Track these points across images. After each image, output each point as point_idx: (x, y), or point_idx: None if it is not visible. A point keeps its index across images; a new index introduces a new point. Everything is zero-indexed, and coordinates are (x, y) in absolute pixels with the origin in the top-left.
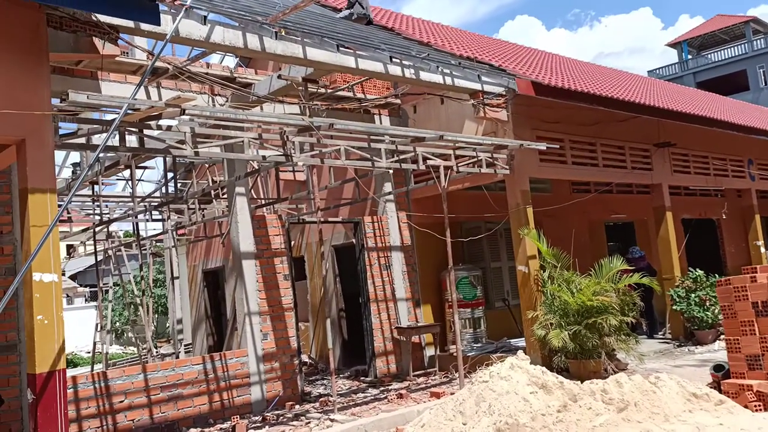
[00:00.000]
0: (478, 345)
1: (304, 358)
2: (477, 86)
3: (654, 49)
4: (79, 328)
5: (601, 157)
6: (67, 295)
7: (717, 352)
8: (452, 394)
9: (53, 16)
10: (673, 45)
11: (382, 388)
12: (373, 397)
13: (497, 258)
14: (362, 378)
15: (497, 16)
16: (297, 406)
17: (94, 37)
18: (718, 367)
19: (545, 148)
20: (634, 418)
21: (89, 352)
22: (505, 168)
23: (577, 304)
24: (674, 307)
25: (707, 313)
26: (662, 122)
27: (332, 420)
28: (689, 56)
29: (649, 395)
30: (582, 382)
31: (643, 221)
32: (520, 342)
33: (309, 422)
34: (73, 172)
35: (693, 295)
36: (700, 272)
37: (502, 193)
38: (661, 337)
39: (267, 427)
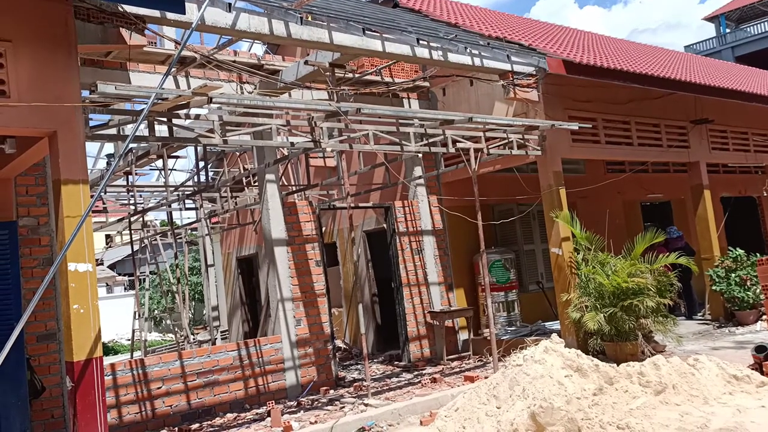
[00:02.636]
0: (512, 328)
1: (338, 343)
2: (507, 66)
3: (690, 24)
4: (119, 316)
5: (635, 136)
6: (107, 284)
7: (759, 332)
8: (486, 378)
9: (80, 8)
10: (710, 19)
11: (415, 373)
12: (407, 382)
13: (530, 240)
14: (396, 362)
15: None
16: (331, 391)
17: (121, 28)
18: (759, 348)
19: (578, 128)
20: (672, 400)
21: (129, 340)
22: (536, 149)
23: (613, 286)
24: (713, 288)
25: (748, 293)
26: (699, 98)
27: (366, 404)
28: (727, 30)
29: (687, 377)
30: (618, 365)
31: (680, 200)
32: (555, 325)
33: (343, 407)
34: (107, 163)
35: (733, 274)
36: (740, 251)
37: (534, 174)
38: (700, 318)
39: (302, 411)
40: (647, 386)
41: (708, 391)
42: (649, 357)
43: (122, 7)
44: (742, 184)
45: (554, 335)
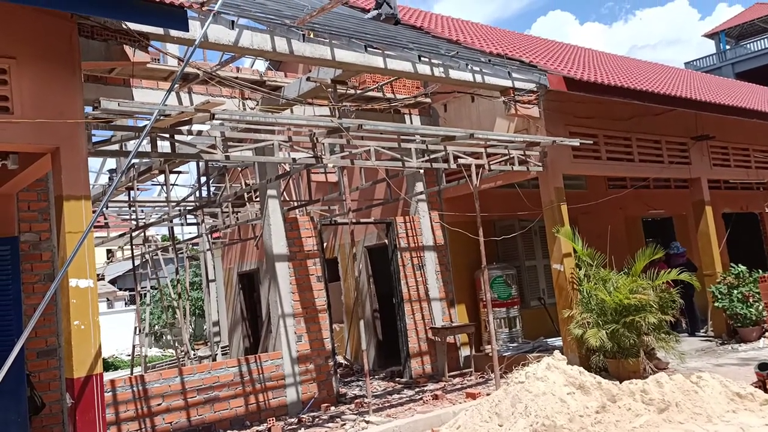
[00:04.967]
0: (514, 345)
1: (339, 359)
2: (507, 83)
3: (690, 41)
4: (119, 331)
5: (636, 152)
6: (108, 299)
7: (762, 350)
8: (488, 395)
9: (85, 25)
10: (710, 35)
11: (417, 389)
12: (408, 398)
13: (532, 256)
14: (397, 379)
15: (529, 12)
16: (332, 408)
17: (125, 45)
18: (763, 366)
19: (579, 144)
20: (676, 418)
21: (129, 355)
22: (537, 165)
23: (614, 302)
24: (716, 304)
25: (751, 309)
26: (700, 115)
27: (368, 421)
28: (727, 47)
29: (690, 395)
30: (621, 382)
31: (682, 216)
32: (557, 341)
33: (344, 424)
34: (109, 179)
35: (735, 291)
36: (742, 268)
37: (536, 190)
38: (703, 334)
39: (302, 429)
40: (650, 404)
41: (711, 409)
42: (652, 374)
43: (126, 25)
44: (743, 200)
45: (556, 352)
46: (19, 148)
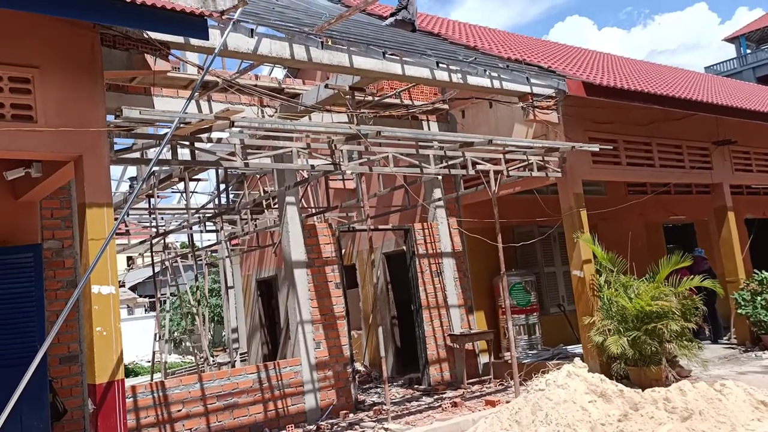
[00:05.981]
0: (534, 352)
1: (358, 366)
2: (526, 89)
3: (710, 45)
4: (139, 337)
5: (657, 157)
6: (128, 306)
7: None
8: (507, 402)
9: (107, 35)
10: (730, 40)
11: (436, 396)
12: (427, 406)
13: (551, 263)
14: (416, 386)
15: (546, 18)
16: (351, 415)
17: (146, 54)
18: None
19: (598, 149)
20: (699, 427)
21: (149, 362)
22: (556, 171)
23: (636, 309)
24: (739, 311)
25: None
26: (721, 119)
27: (386, 429)
28: (748, 51)
29: (714, 403)
30: (643, 390)
31: (703, 222)
32: (577, 348)
33: (363, 431)
34: (130, 186)
35: (759, 298)
36: (766, 274)
37: (555, 196)
38: (726, 342)
39: None
40: (673, 412)
41: (735, 418)
42: (675, 382)
43: (147, 34)
44: (766, 205)
45: (577, 359)
46: (42, 156)
